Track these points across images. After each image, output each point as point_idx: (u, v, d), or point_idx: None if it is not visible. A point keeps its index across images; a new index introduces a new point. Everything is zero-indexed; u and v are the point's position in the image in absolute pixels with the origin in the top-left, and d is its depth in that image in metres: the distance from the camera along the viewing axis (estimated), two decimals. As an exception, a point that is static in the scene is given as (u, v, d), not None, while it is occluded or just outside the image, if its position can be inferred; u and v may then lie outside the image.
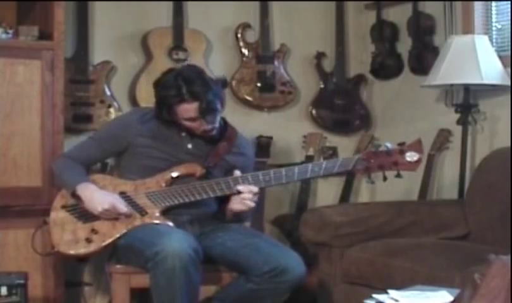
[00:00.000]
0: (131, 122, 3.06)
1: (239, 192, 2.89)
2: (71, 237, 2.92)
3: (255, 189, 2.90)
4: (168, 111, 2.93)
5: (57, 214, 2.98)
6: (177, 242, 2.65)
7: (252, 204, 2.91)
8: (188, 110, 2.89)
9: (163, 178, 2.97)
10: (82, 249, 2.91)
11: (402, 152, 2.91)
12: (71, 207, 2.98)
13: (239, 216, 3.02)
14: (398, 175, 2.93)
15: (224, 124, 3.09)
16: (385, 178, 2.92)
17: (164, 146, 3.00)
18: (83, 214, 2.94)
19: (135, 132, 3.01)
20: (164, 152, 3.00)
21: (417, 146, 2.92)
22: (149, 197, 2.94)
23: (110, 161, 3.35)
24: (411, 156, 2.90)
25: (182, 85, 2.88)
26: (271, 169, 3.05)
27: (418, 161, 2.92)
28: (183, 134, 3.02)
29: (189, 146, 3.02)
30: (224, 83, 3.10)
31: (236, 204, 2.92)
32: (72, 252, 2.93)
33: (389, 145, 2.94)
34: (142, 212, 2.93)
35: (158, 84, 2.98)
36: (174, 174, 2.97)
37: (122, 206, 2.91)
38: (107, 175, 3.15)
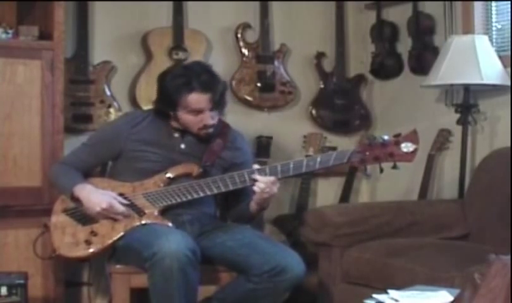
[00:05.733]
0: (121, 127, 3.07)
1: (254, 181, 2.88)
2: (71, 240, 2.94)
3: (272, 178, 2.88)
4: (173, 103, 2.93)
5: (58, 218, 3.00)
6: (175, 243, 2.65)
7: (271, 192, 2.89)
8: (198, 101, 2.90)
9: (160, 178, 2.97)
10: (82, 251, 2.92)
11: (397, 143, 2.88)
12: (71, 211, 2.99)
13: (262, 208, 3.01)
14: (394, 167, 2.91)
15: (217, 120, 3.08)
16: (381, 170, 2.91)
17: (157, 148, 3.01)
18: (83, 217, 2.96)
19: (126, 137, 3.02)
20: (158, 154, 3.00)
21: (413, 137, 2.89)
22: (147, 198, 2.94)
23: (110, 162, 3.35)
24: (406, 147, 2.87)
25: (193, 75, 2.91)
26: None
27: (414, 152, 2.89)
28: (175, 134, 3.03)
29: (182, 146, 3.03)
30: (225, 84, 3.13)
31: (262, 193, 2.90)
32: (72, 254, 2.95)
33: (384, 137, 2.92)
34: (140, 212, 2.93)
35: (165, 76, 2.99)
36: (172, 174, 2.97)
37: (120, 205, 2.91)
38: (106, 177, 3.14)
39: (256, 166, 2.95)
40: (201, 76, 2.91)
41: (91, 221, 2.94)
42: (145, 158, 3.00)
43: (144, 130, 3.03)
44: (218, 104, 2.95)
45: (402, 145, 2.88)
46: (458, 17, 3.88)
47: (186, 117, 2.95)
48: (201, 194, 2.93)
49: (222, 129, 3.10)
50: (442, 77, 3.60)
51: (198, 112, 2.93)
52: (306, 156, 4.10)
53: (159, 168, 2.99)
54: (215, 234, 2.95)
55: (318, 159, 2.92)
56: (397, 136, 2.91)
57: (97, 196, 2.93)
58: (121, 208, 2.92)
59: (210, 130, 2.99)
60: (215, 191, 2.93)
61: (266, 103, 4.20)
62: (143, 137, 3.02)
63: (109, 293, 3.13)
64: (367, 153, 2.90)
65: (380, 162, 2.90)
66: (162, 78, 3.01)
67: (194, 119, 2.95)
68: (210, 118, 2.95)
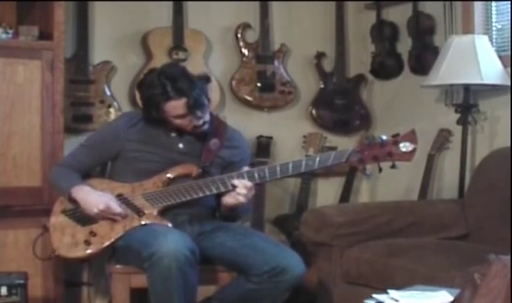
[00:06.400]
0: (119, 127, 3.06)
1: (234, 187, 2.89)
2: (70, 240, 2.94)
3: (249, 183, 2.88)
4: (156, 110, 2.93)
5: (57, 219, 3.00)
6: (173, 243, 2.65)
7: (244, 200, 2.88)
8: (176, 107, 2.90)
9: (160, 179, 2.97)
10: (81, 252, 2.92)
11: (396, 143, 2.88)
12: (70, 212, 2.99)
13: (233, 212, 3.01)
14: (393, 166, 2.91)
15: (212, 118, 3.07)
16: (380, 170, 2.91)
17: (156, 148, 3.00)
18: (82, 217, 2.95)
19: (124, 138, 3.01)
20: (156, 154, 3.00)
21: (411, 136, 2.89)
22: (146, 198, 2.94)
23: (110, 163, 3.36)
24: (405, 147, 2.88)
25: (166, 83, 2.88)
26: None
27: (413, 152, 2.89)
28: (173, 134, 3.02)
29: (181, 145, 3.03)
30: (207, 79, 3.10)
31: (229, 198, 2.91)
32: (71, 255, 2.94)
33: (383, 136, 2.92)
34: (140, 213, 2.93)
35: (142, 85, 2.99)
36: (171, 175, 2.97)
37: (117, 206, 2.91)
38: (106, 178, 3.14)
39: (245, 168, 2.94)
40: (176, 82, 2.88)
41: (91, 222, 2.93)
42: (143, 158, 3.00)
43: (142, 130, 3.02)
44: (194, 107, 2.90)
45: (401, 145, 2.88)
46: (458, 17, 3.88)
47: (174, 121, 2.95)
48: (201, 194, 2.93)
49: (218, 127, 3.10)
50: (442, 77, 3.60)
51: (182, 116, 2.93)
52: (306, 156, 4.10)
53: (158, 168, 2.98)
54: (215, 234, 2.95)
55: (317, 159, 2.92)
56: (395, 135, 2.91)
57: (94, 197, 2.93)
58: (118, 209, 2.92)
59: (204, 127, 2.99)
60: (214, 191, 2.93)
61: (266, 103, 4.20)
62: (141, 137, 3.01)
63: (109, 293, 3.13)
64: (366, 153, 2.90)
65: (378, 162, 2.90)
66: (139, 88, 3.01)
67: (183, 122, 2.95)
68: (196, 119, 2.94)
